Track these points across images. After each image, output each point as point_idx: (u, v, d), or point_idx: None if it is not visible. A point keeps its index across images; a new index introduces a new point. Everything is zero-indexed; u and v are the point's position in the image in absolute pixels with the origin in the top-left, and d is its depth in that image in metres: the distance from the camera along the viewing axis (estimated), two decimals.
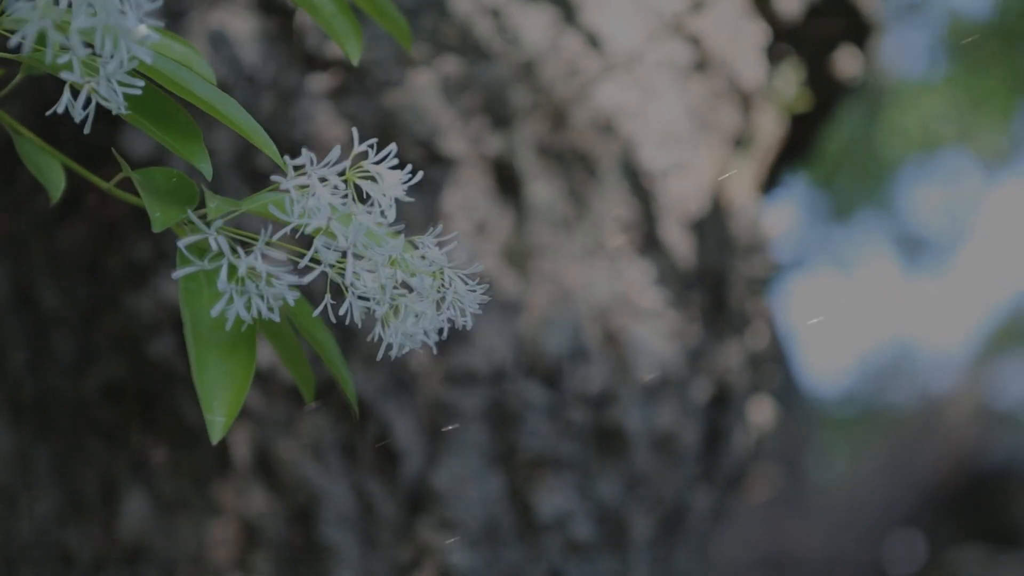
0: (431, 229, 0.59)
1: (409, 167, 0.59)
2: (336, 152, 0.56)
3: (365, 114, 1.08)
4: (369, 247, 0.56)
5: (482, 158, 1.10)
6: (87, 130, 0.55)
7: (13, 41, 0.51)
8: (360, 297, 0.57)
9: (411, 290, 0.58)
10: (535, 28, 1.12)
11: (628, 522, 1.15)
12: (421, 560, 1.08)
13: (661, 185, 1.16)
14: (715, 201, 1.22)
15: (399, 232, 0.59)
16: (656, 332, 1.15)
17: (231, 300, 0.55)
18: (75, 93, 0.54)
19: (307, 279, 0.55)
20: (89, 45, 0.52)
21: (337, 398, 1.07)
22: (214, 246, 0.55)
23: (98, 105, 0.54)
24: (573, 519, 1.11)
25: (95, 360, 1.11)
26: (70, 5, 0.52)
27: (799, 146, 1.44)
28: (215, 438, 0.56)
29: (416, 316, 0.58)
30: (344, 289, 0.57)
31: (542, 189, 1.12)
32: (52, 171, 0.64)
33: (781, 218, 1.34)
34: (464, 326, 0.59)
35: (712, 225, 1.21)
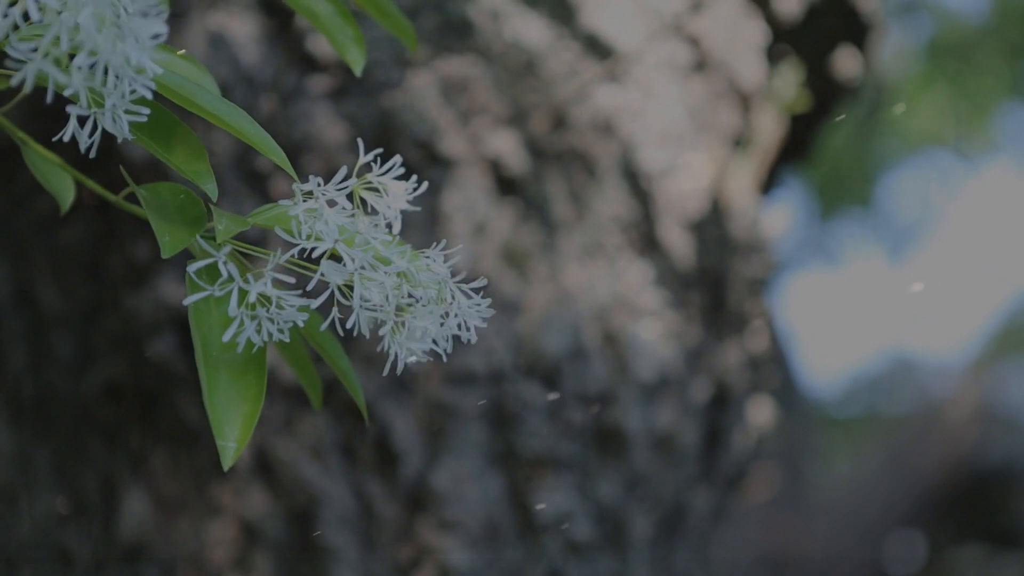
0: (435, 244, 0.59)
1: (415, 177, 0.59)
2: (343, 172, 0.56)
3: (364, 115, 1.08)
4: (376, 267, 0.56)
5: (482, 158, 1.11)
6: (93, 155, 0.55)
7: (15, 80, 0.51)
8: (367, 308, 0.57)
9: (417, 300, 0.58)
10: (535, 28, 1.12)
11: (628, 522, 1.15)
12: (421, 560, 1.08)
13: (660, 185, 1.16)
14: (714, 201, 1.22)
15: (403, 242, 0.59)
16: (656, 332, 1.15)
17: (242, 324, 0.55)
18: (81, 120, 0.54)
19: (317, 302, 0.55)
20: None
21: (337, 399, 1.07)
22: (224, 273, 0.55)
23: None
24: (573, 519, 1.11)
25: (95, 360, 1.11)
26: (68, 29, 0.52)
27: (799, 146, 1.44)
28: (227, 464, 0.56)
29: (421, 331, 0.58)
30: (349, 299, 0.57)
31: (542, 189, 1.12)
32: (60, 181, 0.64)
33: (780, 218, 1.34)
34: (468, 340, 0.59)
35: (711, 225, 1.21)
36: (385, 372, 0.60)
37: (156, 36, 0.52)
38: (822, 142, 1.51)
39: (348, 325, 0.57)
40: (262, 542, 1.08)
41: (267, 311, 0.56)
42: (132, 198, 0.61)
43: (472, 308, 0.59)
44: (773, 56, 1.32)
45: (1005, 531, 3.64)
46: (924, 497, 3.73)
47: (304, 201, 0.56)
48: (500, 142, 1.11)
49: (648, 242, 1.16)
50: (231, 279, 0.55)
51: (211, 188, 0.59)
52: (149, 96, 0.53)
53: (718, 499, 1.28)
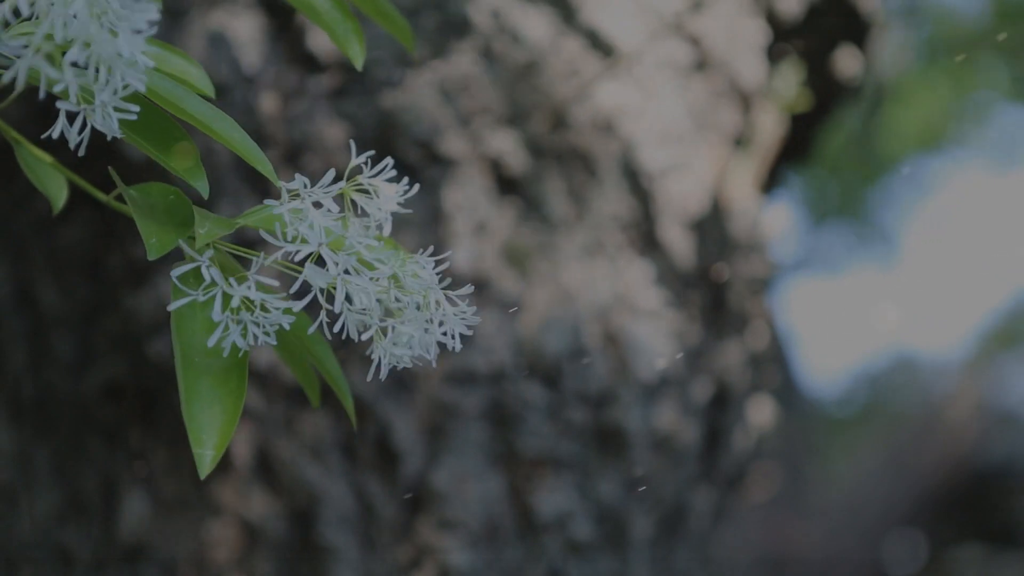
0: (422, 251, 0.58)
1: (406, 179, 0.58)
2: (330, 175, 0.56)
3: (365, 114, 1.08)
4: (360, 271, 0.55)
5: (482, 158, 1.10)
6: (82, 153, 0.54)
7: (7, 77, 0.51)
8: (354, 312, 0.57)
9: (405, 305, 0.57)
10: (535, 28, 1.12)
11: (628, 522, 1.15)
12: (421, 560, 1.08)
13: (661, 185, 1.16)
14: (715, 201, 1.22)
15: (396, 244, 0.58)
16: (656, 332, 1.15)
17: (227, 329, 0.54)
18: (70, 116, 0.54)
19: (301, 304, 0.54)
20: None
21: (337, 398, 1.07)
22: (207, 277, 0.54)
23: None
24: (573, 519, 1.11)
25: (95, 360, 1.11)
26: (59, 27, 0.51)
27: (799, 146, 1.44)
28: (204, 472, 0.55)
29: (406, 337, 0.57)
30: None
31: (542, 189, 1.12)
32: (53, 182, 0.63)
33: (781, 218, 1.34)
34: (453, 349, 0.58)
35: (712, 225, 1.21)
36: (368, 378, 0.59)
37: (149, 25, 0.52)
38: (823, 142, 1.51)
39: (336, 329, 0.56)
40: (262, 542, 1.08)
41: (252, 315, 0.55)
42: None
43: (457, 316, 0.58)
44: (773, 56, 1.32)
45: (1005, 531, 3.64)
46: (924, 497, 3.73)
47: (291, 201, 0.55)
48: (500, 142, 1.11)
49: (648, 241, 1.16)
50: (215, 284, 0.54)
51: (202, 186, 0.58)
52: (142, 89, 0.53)
53: (718, 499, 1.28)
